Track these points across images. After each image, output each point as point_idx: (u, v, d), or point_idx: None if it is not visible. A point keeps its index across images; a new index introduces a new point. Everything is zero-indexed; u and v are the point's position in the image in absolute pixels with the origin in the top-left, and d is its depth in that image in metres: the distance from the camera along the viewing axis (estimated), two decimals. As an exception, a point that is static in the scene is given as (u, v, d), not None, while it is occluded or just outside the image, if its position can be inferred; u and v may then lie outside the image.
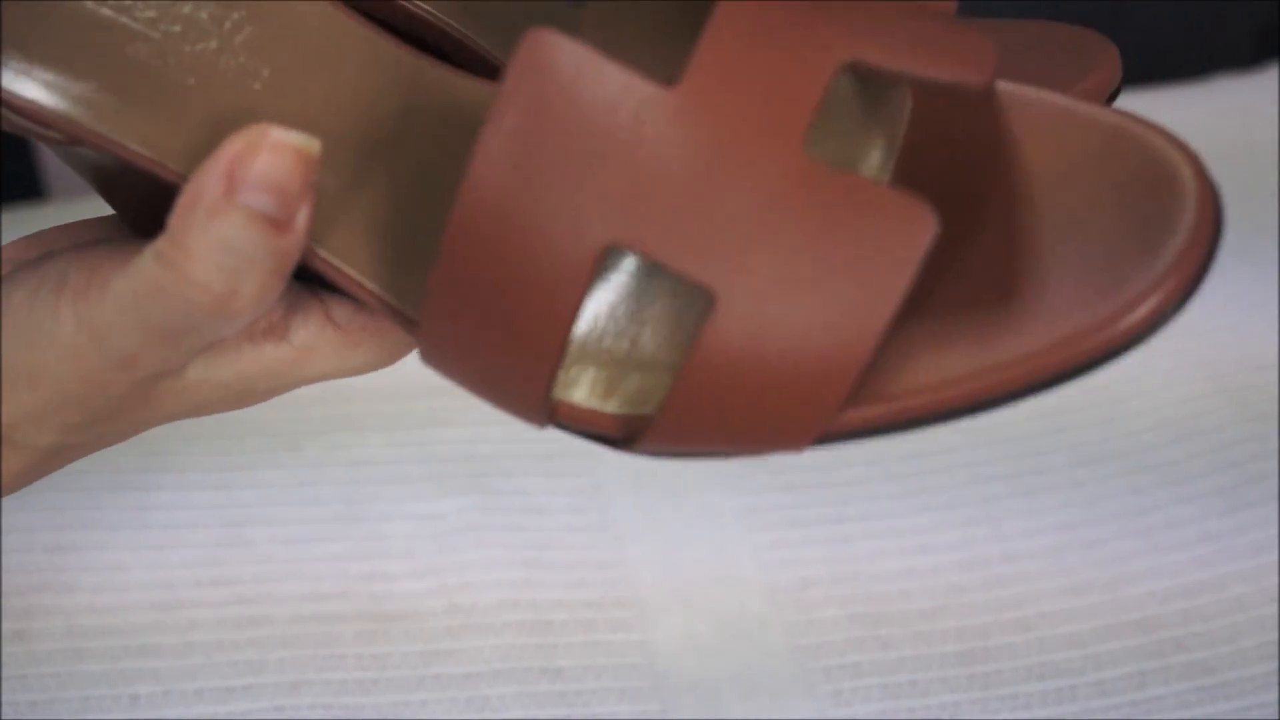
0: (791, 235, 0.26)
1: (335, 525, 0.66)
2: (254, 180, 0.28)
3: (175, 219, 0.28)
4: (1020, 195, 0.29)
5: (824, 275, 0.27)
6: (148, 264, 0.29)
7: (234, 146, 0.28)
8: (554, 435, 0.69)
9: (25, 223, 1.02)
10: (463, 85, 0.33)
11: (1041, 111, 0.30)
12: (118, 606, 0.62)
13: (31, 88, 0.30)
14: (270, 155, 0.28)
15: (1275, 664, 0.60)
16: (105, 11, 0.31)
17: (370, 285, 0.31)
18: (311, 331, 0.32)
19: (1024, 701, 0.59)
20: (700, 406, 0.28)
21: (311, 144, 0.28)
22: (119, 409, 0.32)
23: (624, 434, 0.30)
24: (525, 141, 0.26)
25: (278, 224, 0.28)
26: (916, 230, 0.26)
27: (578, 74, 0.26)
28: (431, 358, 0.30)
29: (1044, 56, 0.36)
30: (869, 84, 0.31)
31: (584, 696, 0.59)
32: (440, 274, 0.28)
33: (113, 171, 0.32)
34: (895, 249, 0.26)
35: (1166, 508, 0.70)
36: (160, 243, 0.29)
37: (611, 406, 0.30)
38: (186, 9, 0.31)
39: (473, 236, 0.27)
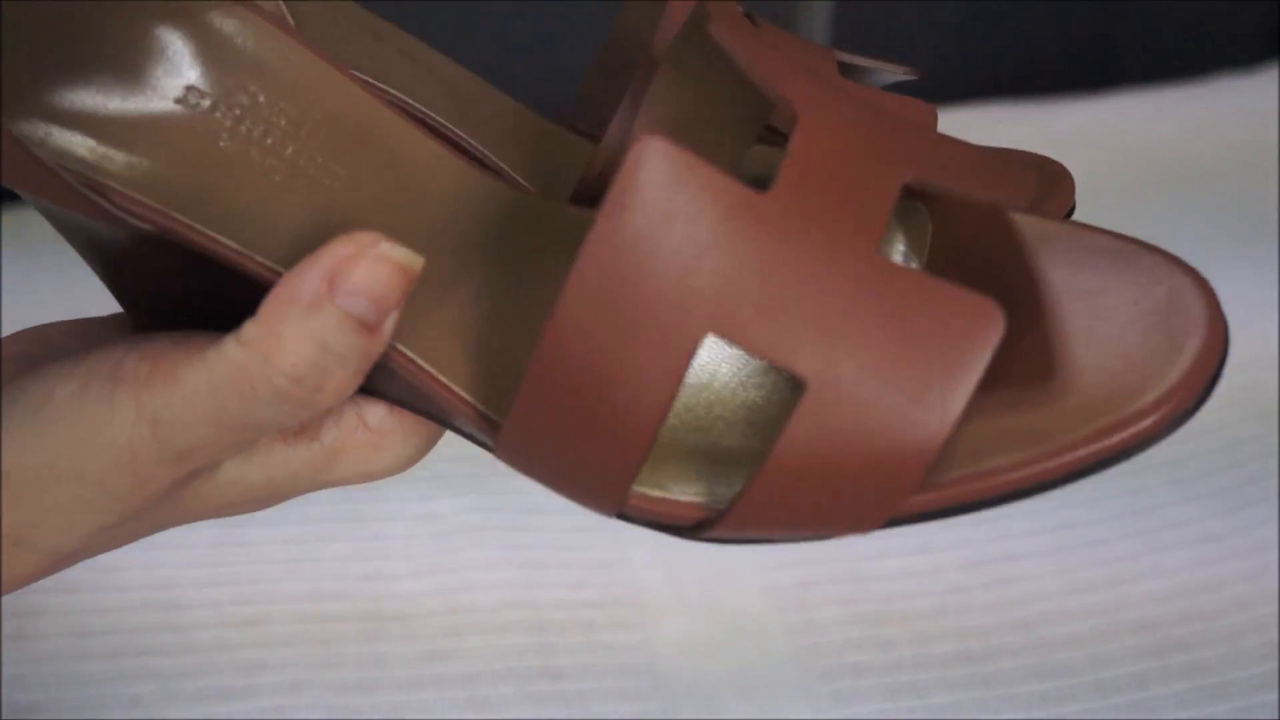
0: (875, 329, 0.28)
1: (335, 525, 0.66)
2: (354, 286, 0.28)
3: (268, 310, 0.29)
4: (1044, 304, 0.32)
5: (904, 367, 0.28)
6: (230, 352, 0.29)
7: (341, 250, 0.29)
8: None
9: (25, 222, 1.02)
10: (519, 195, 0.35)
11: (1052, 231, 0.33)
12: (118, 606, 0.62)
13: (126, 180, 0.31)
14: (374, 265, 0.28)
15: (1275, 664, 0.60)
16: (198, 105, 0.32)
17: (452, 385, 0.32)
18: (343, 433, 0.33)
19: (1024, 701, 0.59)
20: (780, 494, 0.29)
21: (415, 261, 0.29)
22: (148, 509, 0.32)
23: (694, 524, 0.31)
24: (632, 241, 0.28)
25: (369, 328, 0.29)
26: (987, 325, 0.29)
27: (682, 177, 0.28)
28: (512, 455, 0.31)
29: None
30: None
31: (584, 696, 0.59)
32: (535, 374, 0.29)
33: (130, 260, 0.33)
34: (968, 342, 0.28)
35: (1167, 508, 0.70)
36: (247, 331, 0.29)
37: (687, 497, 0.31)
38: (265, 111, 0.32)
39: (571, 338, 0.28)
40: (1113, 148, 1.08)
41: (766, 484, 0.29)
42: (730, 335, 0.28)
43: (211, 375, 0.29)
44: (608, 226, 0.28)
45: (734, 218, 0.28)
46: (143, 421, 0.30)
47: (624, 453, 0.29)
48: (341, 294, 0.28)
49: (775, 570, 0.65)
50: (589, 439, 0.29)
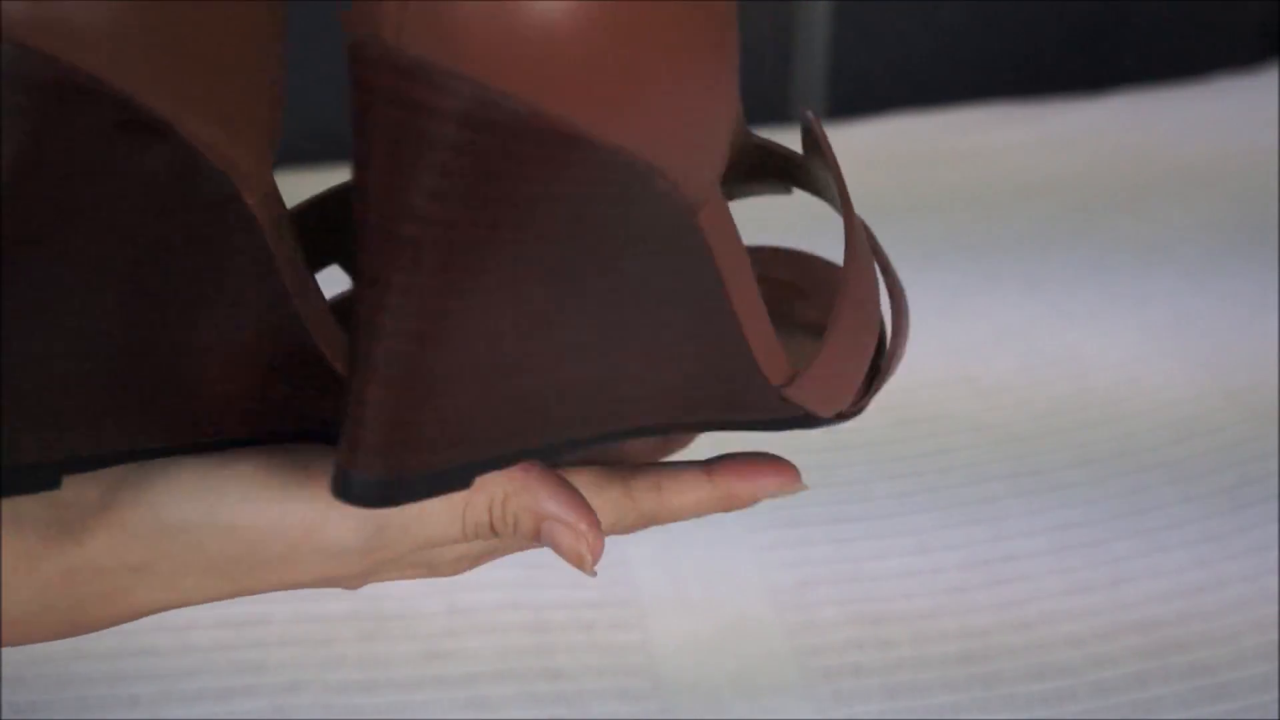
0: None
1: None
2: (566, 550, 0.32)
3: (521, 500, 0.32)
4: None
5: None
6: (477, 511, 0.31)
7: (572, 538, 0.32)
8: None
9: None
10: None
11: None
12: (117, 606, 0.62)
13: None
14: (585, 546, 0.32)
15: (1275, 664, 0.60)
16: None
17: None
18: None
19: (1024, 701, 0.59)
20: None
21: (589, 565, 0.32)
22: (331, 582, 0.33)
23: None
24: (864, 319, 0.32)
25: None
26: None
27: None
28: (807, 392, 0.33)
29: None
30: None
31: (584, 696, 0.59)
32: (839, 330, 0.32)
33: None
34: None
35: (1166, 507, 0.70)
36: (496, 493, 0.31)
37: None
38: None
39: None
40: (1113, 148, 1.08)
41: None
42: None
43: (432, 504, 0.31)
44: (846, 299, 0.31)
45: None
46: (329, 513, 0.31)
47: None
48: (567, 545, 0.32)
49: (775, 570, 0.65)
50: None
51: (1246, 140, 1.07)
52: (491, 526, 0.32)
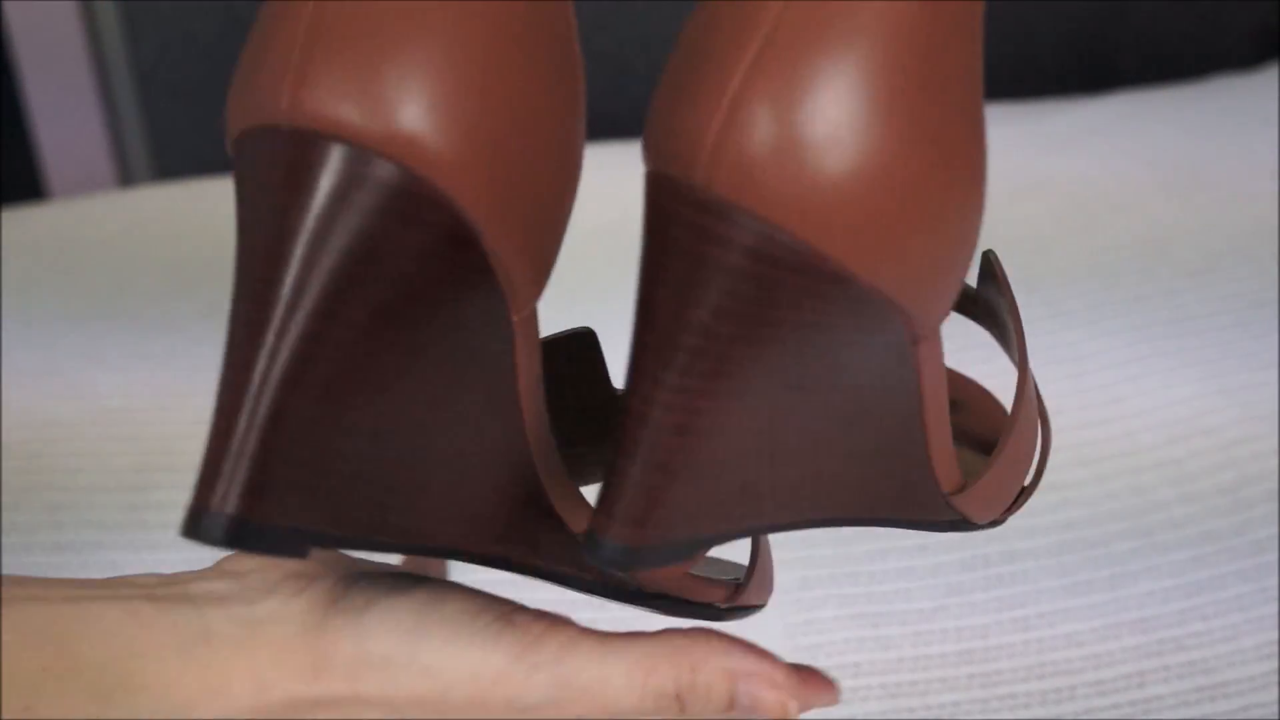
0: None
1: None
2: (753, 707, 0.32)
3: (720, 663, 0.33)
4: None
5: None
6: (651, 647, 0.32)
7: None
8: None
9: (25, 222, 1.02)
10: None
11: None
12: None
13: None
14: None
15: (1275, 664, 0.60)
16: None
17: None
18: None
19: (1024, 701, 0.59)
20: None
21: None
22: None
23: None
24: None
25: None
26: None
27: None
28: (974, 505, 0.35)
29: None
30: None
31: (584, 696, 0.59)
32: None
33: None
34: None
35: (1166, 507, 0.70)
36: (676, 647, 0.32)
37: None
38: None
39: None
40: (1113, 148, 1.08)
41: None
42: None
43: (612, 658, 0.31)
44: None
45: None
46: (520, 666, 0.31)
47: None
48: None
49: (775, 570, 0.65)
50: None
51: (1246, 140, 1.07)
52: (678, 697, 0.31)
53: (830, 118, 0.25)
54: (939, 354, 0.30)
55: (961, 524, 0.35)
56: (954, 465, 0.33)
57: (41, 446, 0.77)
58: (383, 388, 0.27)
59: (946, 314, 0.29)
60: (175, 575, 0.32)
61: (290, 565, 0.32)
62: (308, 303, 0.26)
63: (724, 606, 0.37)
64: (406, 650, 0.30)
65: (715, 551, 0.37)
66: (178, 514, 0.72)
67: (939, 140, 0.26)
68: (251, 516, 0.26)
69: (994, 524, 0.37)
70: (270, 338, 0.26)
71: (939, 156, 0.26)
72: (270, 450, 0.26)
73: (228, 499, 0.26)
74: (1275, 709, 0.58)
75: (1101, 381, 0.80)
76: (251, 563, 0.32)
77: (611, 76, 1.19)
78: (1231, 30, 1.28)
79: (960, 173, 0.27)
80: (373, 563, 0.33)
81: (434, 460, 0.29)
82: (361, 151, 0.25)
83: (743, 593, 0.38)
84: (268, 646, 0.30)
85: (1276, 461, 0.72)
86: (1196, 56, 1.28)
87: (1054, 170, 1.04)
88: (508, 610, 0.31)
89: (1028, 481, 0.37)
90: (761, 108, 0.25)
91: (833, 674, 0.36)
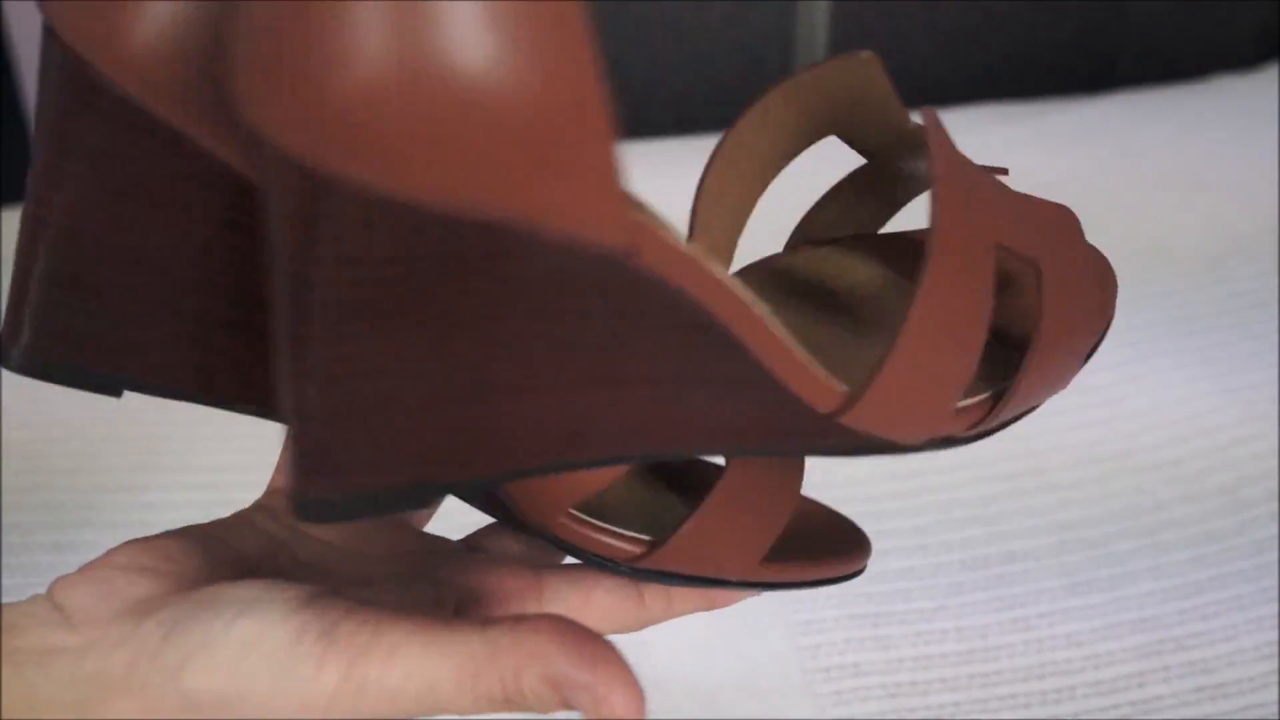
0: None
1: (335, 525, 0.66)
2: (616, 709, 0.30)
3: (559, 647, 0.30)
4: None
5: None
6: (472, 644, 0.30)
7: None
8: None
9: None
10: None
11: None
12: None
13: None
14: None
15: (1275, 664, 0.60)
16: None
17: None
18: None
19: (1024, 701, 0.59)
20: None
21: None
22: None
23: None
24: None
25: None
26: None
27: None
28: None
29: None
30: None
31: (584, 696, 0.59)
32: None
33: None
34: None
35: (1167, 507, 0.70)
36: (500, 634, 0.30)
37: None
38: None
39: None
40: (1113, 148, 1.08)
41: None
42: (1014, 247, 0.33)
43: (436, 662, 0.30)
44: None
45: None
46: (348, 685, 0.30)
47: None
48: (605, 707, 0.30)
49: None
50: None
51: (1246, 140, 1.07)
52: (507, 699, 0.30)
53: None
54: (699, 266, 0.25)
55: (892, 446, 0.30)
56: (823, 380, 0.29)
57: (41, 446, 0.77)
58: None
59: (617, 215, 0.24)
60: None
61: (120, 599, 0.31)
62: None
63: (630, 567, 0.34)
64: (235, 691, 0.30)
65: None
66: (177, 514, 0.72)
67: None
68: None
69: (969, 439, 0.32)
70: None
71: None
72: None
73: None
74: (1275, 709, 0.58)
75: (1101, 381, 0.80)
76: (83, 596, 0.31)
77: (611, 76, 1.20)
78: (1231, 30, 1.28)
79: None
80: (189, 596, 0.32)
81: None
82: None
83: (663, 555, 0.34)
84: (98, 706, 0.30)
85: (1276, 461, 0.72)
86: (1196, 56, 1.28)
87: (1054, 170, 1.04)
88: (330, 624, 0.31)
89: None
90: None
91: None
